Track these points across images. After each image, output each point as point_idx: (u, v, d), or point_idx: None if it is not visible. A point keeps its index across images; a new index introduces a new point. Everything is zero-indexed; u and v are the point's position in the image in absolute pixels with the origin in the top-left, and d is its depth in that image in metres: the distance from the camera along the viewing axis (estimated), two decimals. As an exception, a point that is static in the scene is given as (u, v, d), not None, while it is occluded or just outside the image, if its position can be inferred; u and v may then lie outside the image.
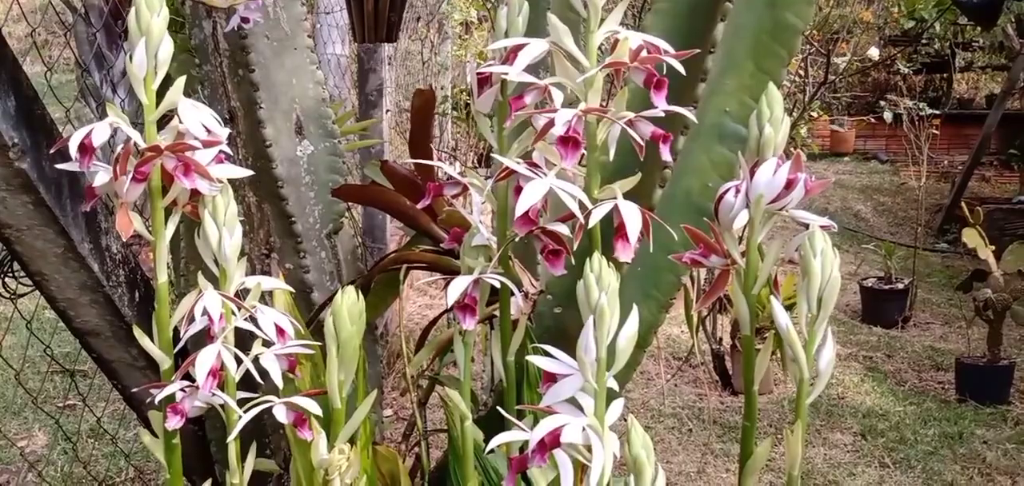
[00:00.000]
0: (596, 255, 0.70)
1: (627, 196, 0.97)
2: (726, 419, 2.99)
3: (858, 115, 6.60)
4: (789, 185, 0.79)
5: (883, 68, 5.67)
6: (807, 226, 0.80)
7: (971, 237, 3.18)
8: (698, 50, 0.83)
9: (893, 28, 5.83)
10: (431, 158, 1.06)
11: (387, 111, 2.92)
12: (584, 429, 0.69)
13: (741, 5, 1.02)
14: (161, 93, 0.87)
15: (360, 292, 1.24)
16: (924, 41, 5.83)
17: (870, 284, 4.10)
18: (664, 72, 0.79)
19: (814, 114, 4.48)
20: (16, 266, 2.42)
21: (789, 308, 2.80)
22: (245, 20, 1.05)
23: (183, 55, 1.26)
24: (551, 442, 0.68)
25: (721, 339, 3.24)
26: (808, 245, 0.78)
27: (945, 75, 6.40)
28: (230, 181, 1.11)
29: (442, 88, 4.15)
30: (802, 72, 3.75)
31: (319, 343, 0.95)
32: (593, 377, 0.70)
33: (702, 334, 3.17)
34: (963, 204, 3.40)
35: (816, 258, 0.78)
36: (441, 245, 1.03)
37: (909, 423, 2.96)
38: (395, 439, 1.47)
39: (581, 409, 0.72)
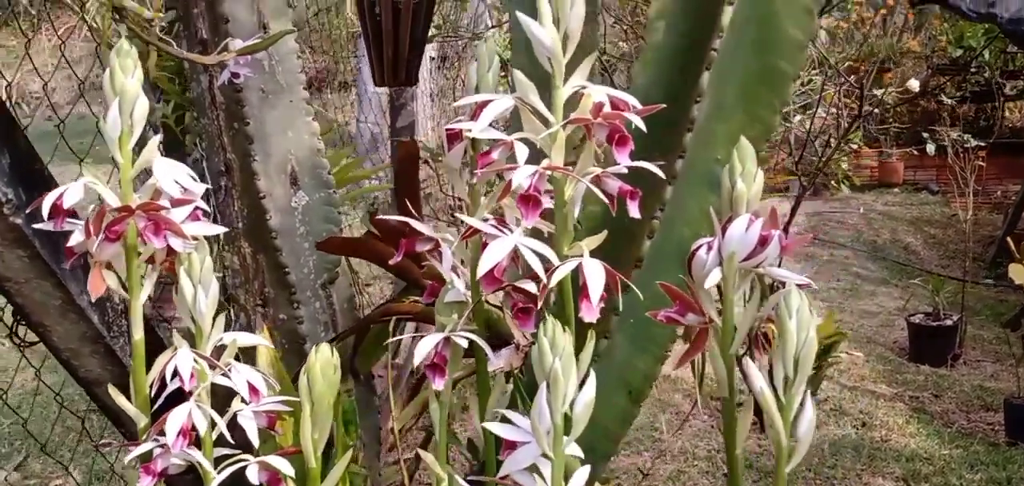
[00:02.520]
0: (549, 319, 0.68)
1: (614, 248, 0.94)
2: (763, 463, 2.91)
3: (906, 145, 6.45)
4: (763, 241, 0.77)
5: (931, 98, 5.54)
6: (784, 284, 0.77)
7: (1018, 273, 3.07)
8: (665, 105, 0.80)
9: (941, 57, 5.70)
10: (419, 209, 1.05)
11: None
12: (537, 501, 0.67)
13: (730, 52, 1.00)
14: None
15: (354, 343, 1.24)
16: (973, 69, 5.69)
17: (918, 320, 3.97)
18: (631, 128, 0.77)
19: (854, 146, 4.39)
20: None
21: (830, 347, 2.75)
22: (235, 75, 1.06)
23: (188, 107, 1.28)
24: (502, 515, 0.66)
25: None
26: (783, 305, 0.75)
27: (994, 104, 6.23)
28: (228, 232, 1.12)
29: (477, 125, 4.15)
30: (838, 106, 3.68)
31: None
32: (549, 446, 0.68)
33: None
34: (1008, 238, 3.29)
35: (791, 319, 0.74)
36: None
37: (955, 467, 2.85)
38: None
39: (543, 478, 0.70)
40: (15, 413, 1.90)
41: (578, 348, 0.85)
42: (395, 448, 1.11)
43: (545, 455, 0.69)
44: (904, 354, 3.96)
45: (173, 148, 1.54)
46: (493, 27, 3.94)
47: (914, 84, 4.27)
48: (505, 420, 0.72)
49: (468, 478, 0.93)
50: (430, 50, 4.80)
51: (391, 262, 0.91)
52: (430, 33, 2.52)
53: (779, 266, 0.79)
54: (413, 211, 1.00)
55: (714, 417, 3.28)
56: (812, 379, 2.98)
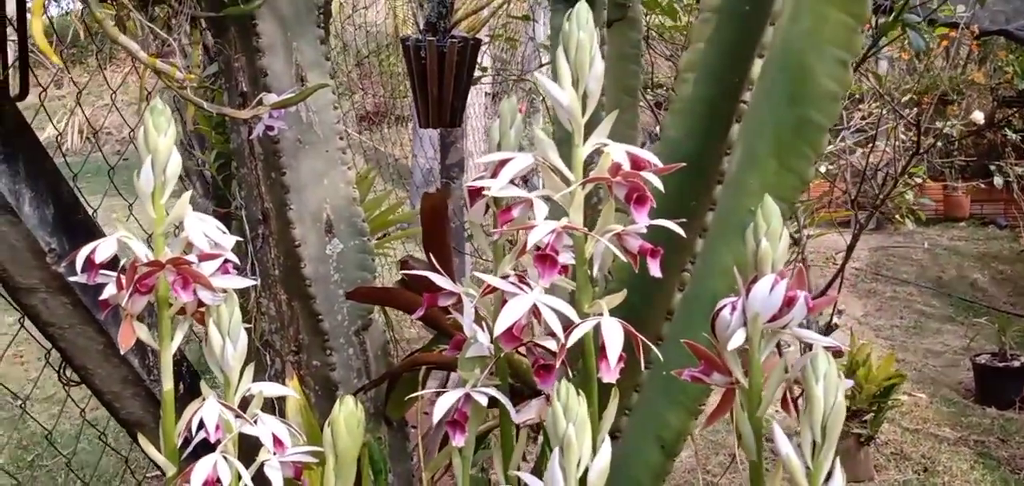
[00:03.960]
0: (563, 383, 0.67)
1: (643, 301, 0.93)
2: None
3: (971, 179, 6.27)
4: (789, 302, 0.75)
5: (996, 130, 5.38)
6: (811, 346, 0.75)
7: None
8: (684, 163, 0.79)
9: (1007, 89, 5.54)
10: (449, 259, 1.05)
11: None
12: (547, 570, 0.66)
13: (761, 103, 0.98)
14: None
15: (387, 390, 1.24)
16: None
17: (983, 360, 3.84)
18: (653, 188, 0.75)
19: (918, 180, 4.27)
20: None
21: (890, 389, 2.66)
22: (270, 127, 1.08)
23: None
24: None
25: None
26: (810, 369, 0.73)
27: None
28: (265, 279, 1.13)
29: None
30: (901, 139, 3.60)
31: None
32: (563, 511, 0.67)
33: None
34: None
35: (818, 383, 0.72)
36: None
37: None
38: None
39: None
40: (59, 452, 1.94)
41: (603, 404, 0.84)
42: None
43: (559, 521, 0.67)
44: (970, 396, 3.83)
45: (217, 196, 1.57)
46: (544, 65, 3.96)
47: (978, 116, 4.15)
48: (521, 482, 0.71)
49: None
50: (485, 86, 4.84)
51: (415, 316, 0.91)
52: (477, 74, 2.54)
53: (807, 327, 0.77)
54: (439, 263, 1.00)
55: (770, 459, 3.20)
56: (872, 422, 2.91)
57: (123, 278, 0.86)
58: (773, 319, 0.75)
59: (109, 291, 0.88)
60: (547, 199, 0.80)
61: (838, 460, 0.75)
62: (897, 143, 3.22)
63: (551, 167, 0.78)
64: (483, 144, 4.10)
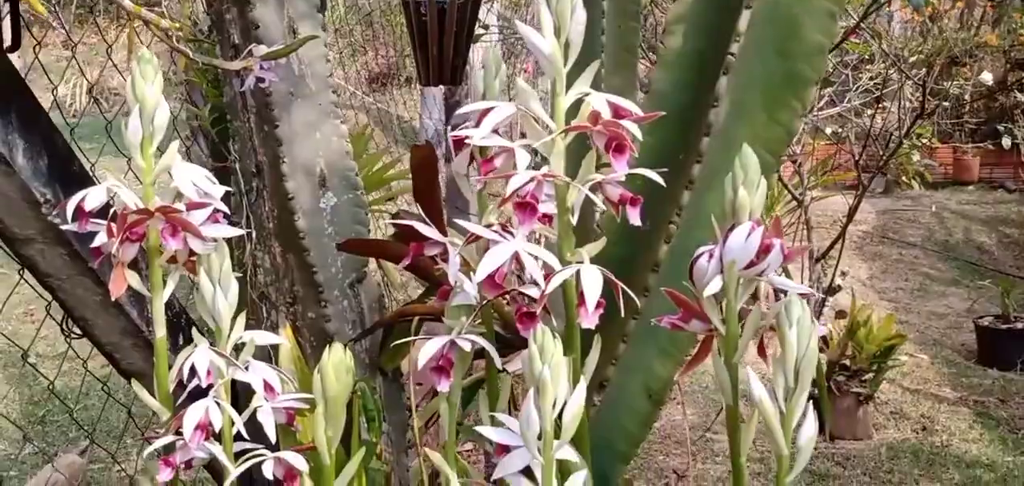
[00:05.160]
0: (539, 326, 0.69)
1: (629, 252, 0.94)
2: (817, 466, 2.85)
3: (981, 141, 6.22)
4: (765, 249, 0.76)
5: (1008, 92, 5.34)
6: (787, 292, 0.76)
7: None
8: (663, 112, 0.80)
9: (1020, 51, 5.49)
10: (438, 211, 1.06)
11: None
12: (522, 507, 0.67)
13: (749, 56, 0.98)
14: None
15: (381, 340, 1.26)
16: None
17: (986, 322, 3.84)
18: (634, 137, 0.76)
19: (925, 141, 4.25)
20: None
21: (890, 350, 2.67)
22: (261, 80, 1.08)
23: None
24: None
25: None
26: (784, 314, 0.74)
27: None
28: (260, 232, 1.14)
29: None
30: (908, 100, 3.57)
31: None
32: (538, 451, 0.69)
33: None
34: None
35: (791, 328, 0.73)
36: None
37: (1018, 475, 2.75)
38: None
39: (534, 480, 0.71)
40: (64, 404, 1.97)
41: (585, 352, 0.85)
42: (413, 447, 1.13)
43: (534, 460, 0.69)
44: (971, 357, 3.83)
45: (213, 149, 1.58)
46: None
47: (987, 77, 4.11)
48: (497, 424, 0.73)
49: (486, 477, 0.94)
50: (493, 48, 4.81)
51: (402, 265, 0.93)
52: (478, 32, 2.53)
53: (781, 274, 0.78)
54: (429, 215, 1.01)
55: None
56: (871, 382, 2.93)
57: (114, 226, 0.87)
58: (749, 266, 0.76)
59: (100, 239, 0.89)
60: (533, 150, 0.81)
61: (811, 405, 0.76)
62: (904, 103, 3.19)
63: (532, 116, 0.78)
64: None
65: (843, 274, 3.64)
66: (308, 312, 1.20)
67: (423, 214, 1.03)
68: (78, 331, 1.57)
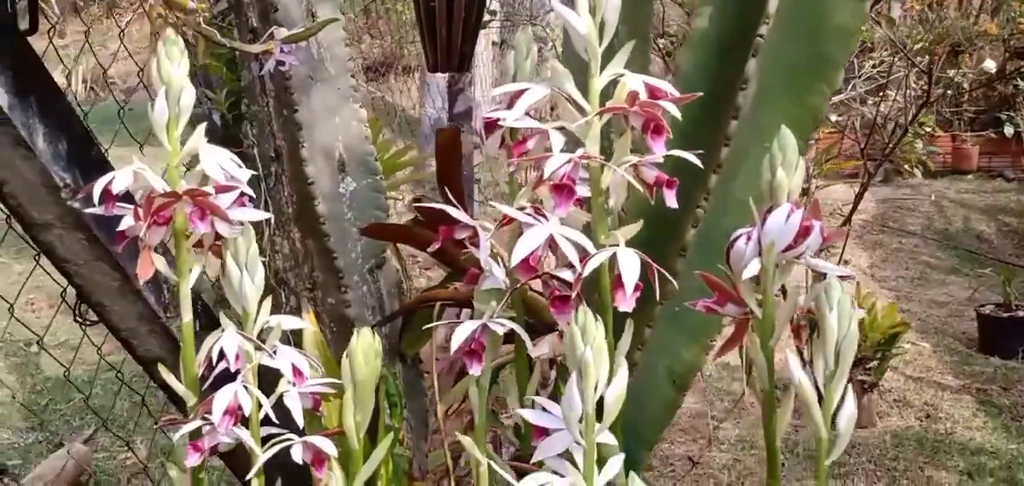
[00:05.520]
0: (582, 308, 0.68)
1: (657, 236, 0.94)
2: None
3: (980, 130, 6.23)
4: (804, 231, 0.75)
5: (1007, 81, 5.34)
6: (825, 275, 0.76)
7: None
8: (700, 93, 0.79)
9: (1020, 40, 5.49)
10: (462, 195, 1.06)
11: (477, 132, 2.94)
12: (566, 490, 0.67)
13: (777, 39, 0.98)
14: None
15: (401, 326, 1.25)
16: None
17: (988, 311, 3.85)
18: (669, 117, 0.76)
19: (928, 130, 4.25)
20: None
21: (894, 337, 2.67)
22: (281, 63, 1.08)
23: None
24: (531, 502, 0.66)
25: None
26: (824, 298, 0.73)
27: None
28: (279, 217, 1.13)
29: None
30: (912, 88, 3.57)
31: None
32: (580, 434, 0.68)
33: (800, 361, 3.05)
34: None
35: (832, 312, 0.73)
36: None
37: (1022, 462, 2.76)
38: (438, 473, 1.46)
39: (574, 467, 0.70)
40: (78, 390, 1.96)
41: (617, 335, 0.85)
42: (437, 432, 1.12)
43: (577, 443, 0.69)
44: (973, 345, 3.84)
45: (228, 135, 1.57)
46: (550, 12, 3.92)
47: (990, 65, 4.11)
48: (538, 407, 0.72)
49: (511, 462, 0.94)
50: (492, 35, 4.79)
51: (429, 249, 0.92)
52: (485, 19, 2.52)
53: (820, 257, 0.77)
54: (454, 198, 1.00)
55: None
56: (875, 369, 2.93)
57: (140, 210, 0.86)
58: (788, 249, 0.76)
59: (127, 223, 0.88)
60: (563, 130, 0.80)
61: (850, 387, 0.76)
62: (908, 92, 3.19)
63: (567, 97, 0.78)
64: (490, 92, 4.07)
65: (846, 262, 3.64)
66: (328, 297, 1.20)
67: (448, 195, 1.03)
68: (91, 318, 1.56)
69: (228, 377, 0.91)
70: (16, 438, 2.88)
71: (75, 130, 1.08)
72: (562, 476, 0.68)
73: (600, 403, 0.68)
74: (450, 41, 2.05)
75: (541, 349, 1.03)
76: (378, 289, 1.22)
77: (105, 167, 1.15)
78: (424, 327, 1.15)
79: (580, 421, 0.68)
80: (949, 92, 4.48)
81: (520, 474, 0.87)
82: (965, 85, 4.18)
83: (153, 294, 1.23)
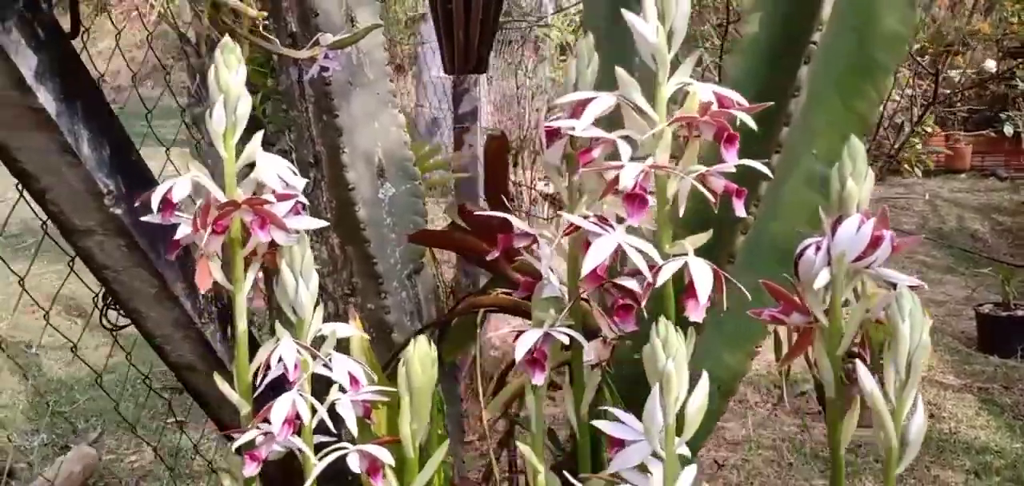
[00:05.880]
0: (662, 320, 0.68)
1: (707, 243, 0.93)
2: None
3: (975, 130, 6.27)
4: (875, 242, 0.75)
5: (1001, 81, 5.38)
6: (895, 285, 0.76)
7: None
8: (772, 102, 0.79)
9: (1012, 39, 5.54)
10: (507, 202, 1.06)
11: (482, 133, 2.93)
12: (651, 501, 0.67)
13: (827, 43, 0.98)
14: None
15: (439, 333, 1.25)
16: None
17: (987, 310, 3.88)
18: (737, 126, 0.76)
19: (928, 129, 4.28)
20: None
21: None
22: (325, 69, 1.07)
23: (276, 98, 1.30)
24: (616, 514, 0.66)
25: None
26: (896, 307, 0.74)
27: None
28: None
29: (537, 110, 4.16)
30: (914, 87, 3.59)
31: (395, 388, 0.95)
32: (661, 446, 0.68)
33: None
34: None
35: (904, 322, 0.73)
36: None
37: (1026, 463, 2.78)
38: (475, 479, 1.47)
39: (651, 475, 0.70)
40: (106, 393, 1.95)
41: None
42: (483, 438, 1.12)
43: (656, 455, 0.69)
44: (972, 344, 3.87)
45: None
46: (554, 12, 3.93)
47: (990, 64, 4.14)
48: (612, 418, 0.72)
49: (558, 468, 0.94)
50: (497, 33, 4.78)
51: (489, 258, 0.92)
52: (500, 20, 2.51)
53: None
54: (499, 205, 1.00)
55: (780, 405, 3.24)
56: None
57: (198, 219, 0.86)
58: (858, 259, 0.76)
59: (183, 231, 0.88)
60: (626, 139, 0.80)
61: (919, 397, 0.76)
62: (911, 93, 3.21)
63: (634, 107, 0.78)
64: (489, 91, 4.07)
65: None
66: (367, 303, 1.19)
67: (500, 203, 1.02)
68: (116, 323, 1.55)
69: (276, 386, 0.90)
70: (22, 440, 2.85)
71: (116, 135, 1.07)
72: (644, 487, 0.68)
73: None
74: (467, 43, 2.05)
75: (587, 355, 1.03)
76: (416, 294, 1.21)
77: (145, 173, 1.14)
78: (461, 337, 1.15)
79: (660, 433, 0.68)
80: (947, 92, 4.51)
81: (565, 483, 0.87)
82: (963, 83, 4.22)
83: (189, 300, 1.23)
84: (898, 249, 0.76)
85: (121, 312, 1.83)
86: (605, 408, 0.75)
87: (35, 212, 1.14)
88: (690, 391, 0.69)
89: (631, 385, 0.98)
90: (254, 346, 1.45)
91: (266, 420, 0.88)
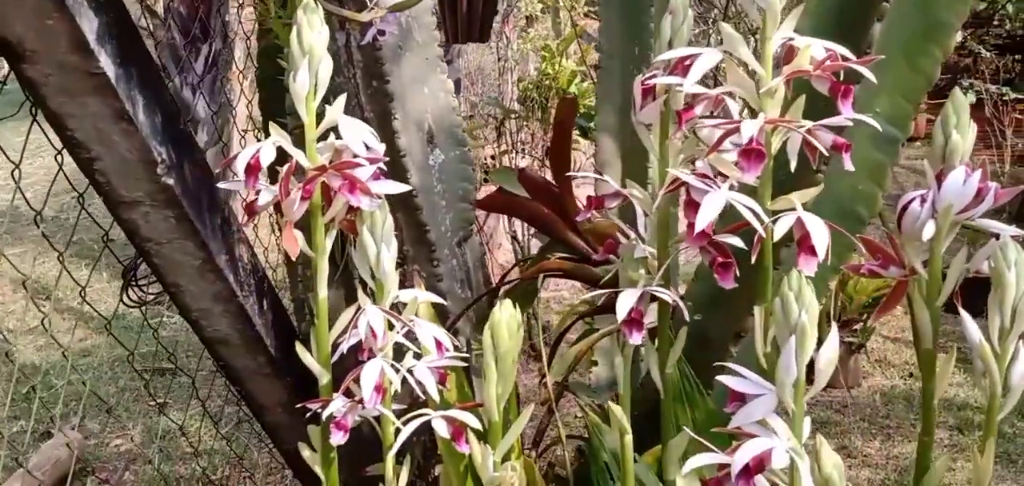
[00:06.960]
0: (795, 272, 0.68)
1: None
2: (816, 414, 2.93)
3: (931, 98, 6.41)
4: (979, 193, 0.76)
5: (959, 49, 5.51)
6: (997, 236, 0.77)
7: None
8: (883, 56, 0.80)
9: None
10: (570, 168, 1.05)
11: (465, 103, 2.89)
12: (788, 453, 0.67)
13: (898, 6, 0.99)
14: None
15: (488, 300, 1.24)
16: (995, 23, 5.65)
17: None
18: (841, 79, 0.76)
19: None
20: (138, 277, 2.48)
21: (878, 299, 2.70)
22: (381, 33, 1.05)
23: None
24: (756, 467, 0.66)
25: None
26: (1000, 256, 0.75)
27: (1018, 56, 6.19)
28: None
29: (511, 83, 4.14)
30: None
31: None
32: (792, 399, 0.68)
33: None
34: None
35: (1010, 270, 0.74)
36: (593, 255, 1.02)
37: (1007, 416, 2.87)
38: (525, 446, 1.46)
39: (773, 431, 0.70)
40: (140, 377, 1.89)
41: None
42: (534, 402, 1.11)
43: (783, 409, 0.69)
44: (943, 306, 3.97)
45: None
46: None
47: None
48: (731, 372, 0.72)
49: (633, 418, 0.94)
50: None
51: (578, 218, 0.91)
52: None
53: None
54: (561, 173, 0.99)
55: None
56: (862, 331, 2.98)
57: (282, 185, 0.83)
58: (962, 211, 0.77)
59: (265, 198, 0.85)
60: (730, 95, 0.80)
61: (1021, 343, 0.78)
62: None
63: (740, 62, 0.77)
64: (464, 64, 4.02)
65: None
66: (420, 270, 1.17)
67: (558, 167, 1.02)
68: (133, 300, 1.50)
69: (348, 354, 0.88)
70: (0, 428, 2.77)
71: (167, 102, 1.04)
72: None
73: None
74: (471, 12, 2.03)
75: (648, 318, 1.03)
76: (465, 261, 1.20)
77: (192, 142, 1.11)
78: (518, 299, 1.14)
79: (793, 386, 0.68)
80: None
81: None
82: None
83: (232, 272, 1.20)
84: (1000, 198, 0.77)
85: (143, 288, 1.78)
86: (725, 364, 0.75)
87: None
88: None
89: (693, 346, 0.99)
90: (287, 320, 1.42)
91: (347, 388, 0.87)
